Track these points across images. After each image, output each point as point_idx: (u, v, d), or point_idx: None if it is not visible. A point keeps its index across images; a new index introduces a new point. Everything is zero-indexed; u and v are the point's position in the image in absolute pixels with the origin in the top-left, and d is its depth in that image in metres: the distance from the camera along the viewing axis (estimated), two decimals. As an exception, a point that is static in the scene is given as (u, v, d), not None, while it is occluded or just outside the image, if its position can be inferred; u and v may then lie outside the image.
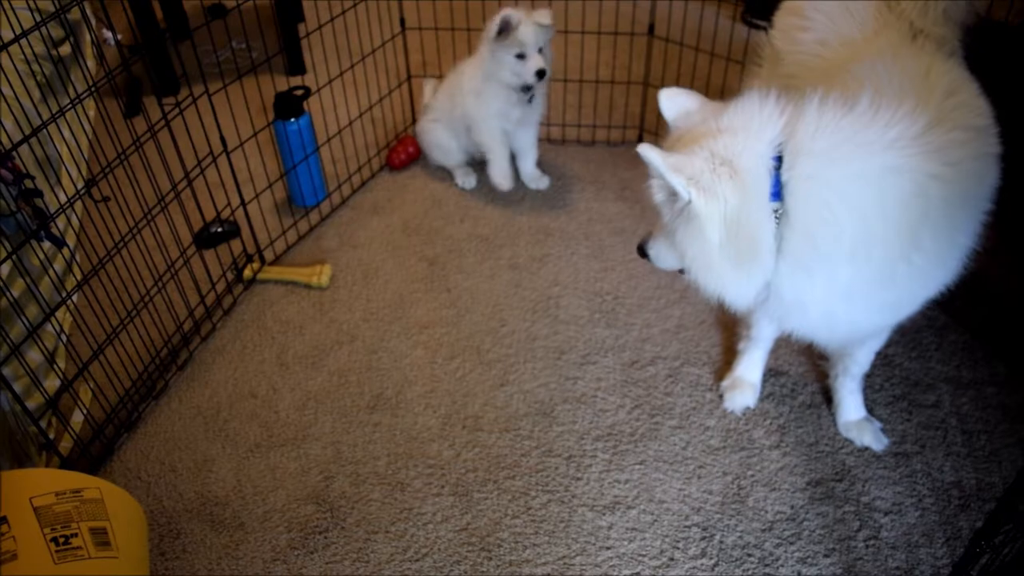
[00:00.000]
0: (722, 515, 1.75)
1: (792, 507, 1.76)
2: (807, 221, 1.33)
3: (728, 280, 1.43)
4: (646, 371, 2.07)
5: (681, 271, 1.55)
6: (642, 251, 1.62)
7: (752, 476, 1.82)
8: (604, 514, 1.76)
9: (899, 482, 1.79)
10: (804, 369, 2.06)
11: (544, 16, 2.36)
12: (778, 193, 1.33)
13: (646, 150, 1.33)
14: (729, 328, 2.15)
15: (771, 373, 2.03)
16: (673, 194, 1.37)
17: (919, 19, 1.62)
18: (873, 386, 1.99)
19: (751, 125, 1.36)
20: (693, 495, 1.79)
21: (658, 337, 2.16)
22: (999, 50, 2.01)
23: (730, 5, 3.45)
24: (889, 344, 2.06)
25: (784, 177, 1.33)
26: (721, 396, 1.99)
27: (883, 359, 2.04)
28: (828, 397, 1.96)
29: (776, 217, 1.35)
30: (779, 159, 1.33)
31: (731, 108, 1.41)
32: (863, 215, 1.31)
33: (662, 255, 1.58)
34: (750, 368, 1.98)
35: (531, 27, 2.36)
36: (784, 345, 2.08)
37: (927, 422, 1.91)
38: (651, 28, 2.81)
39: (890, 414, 1.93)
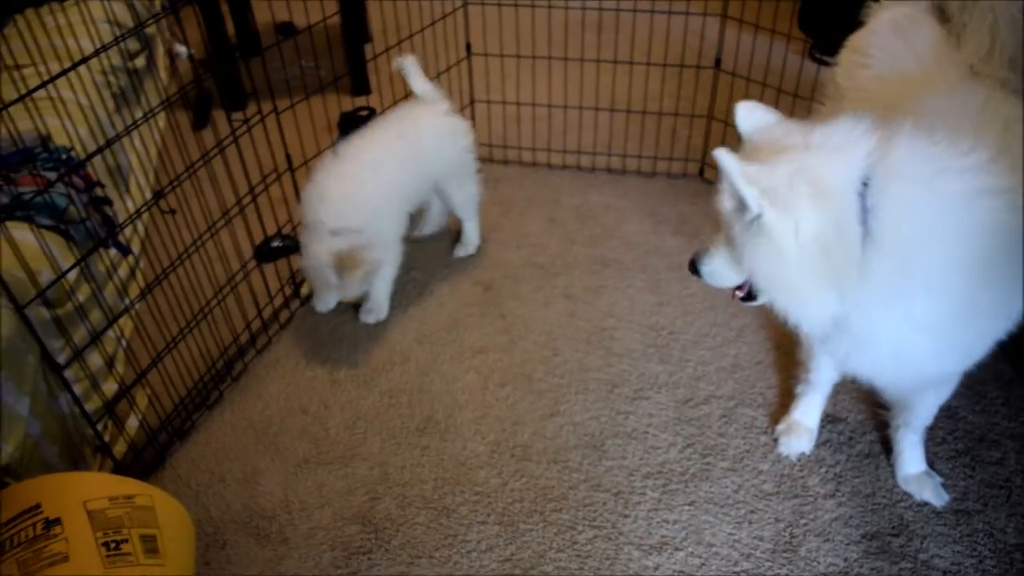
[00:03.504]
0: (772, 563, 1.70)
1: (846, 560, 1.70)
2: (894, 246, 1.29)
3: (807, 299, 1.39)
4: (700, 410, 2.03)
5: (737, 290, 1.53)
6: (694, 267, 1.57)
7: (805, 525, 1.77)
8: (651, 554, 1.73)
9: (959, 541, 1.73)
10: (863, 417, 2.00)
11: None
12: (861, 216, 1.30)
13: (723, 155, 1.29)
14: (786, 370, 2.10)
15: (828, 419, 1.98)
16: (743, 206, 1.33)
17: (980, 65, 1.58)
18: (935, 439, 1.92)
19: (844, 145, 1.32)
20: (743, 540, 1.75)
21: (713, 375, 2.12)
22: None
23: (799, 41, 3.41)
24: (953, 396, 1.99)
25: (871, 201, 1.29)
26: (776, 440, 1.94)
27: (947, 411, 1.98)
28: (887, 447, 1.90)
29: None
30: (865, 183, 1.30)
31: (822, 126, 1.37)
32: (949, 241, 1.28)
33: (718, 272, 1.53)
34: (807, 412, 1.93)
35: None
36: (843, 391, 2.03)
37: (991, 480, 1.85)
38: (718, 61, 2.79)
39: (952, 469, 1.87)
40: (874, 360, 1.50)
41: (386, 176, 2.21)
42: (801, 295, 1.39)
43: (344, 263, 2.08)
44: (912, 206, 1.28)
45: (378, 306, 2.35)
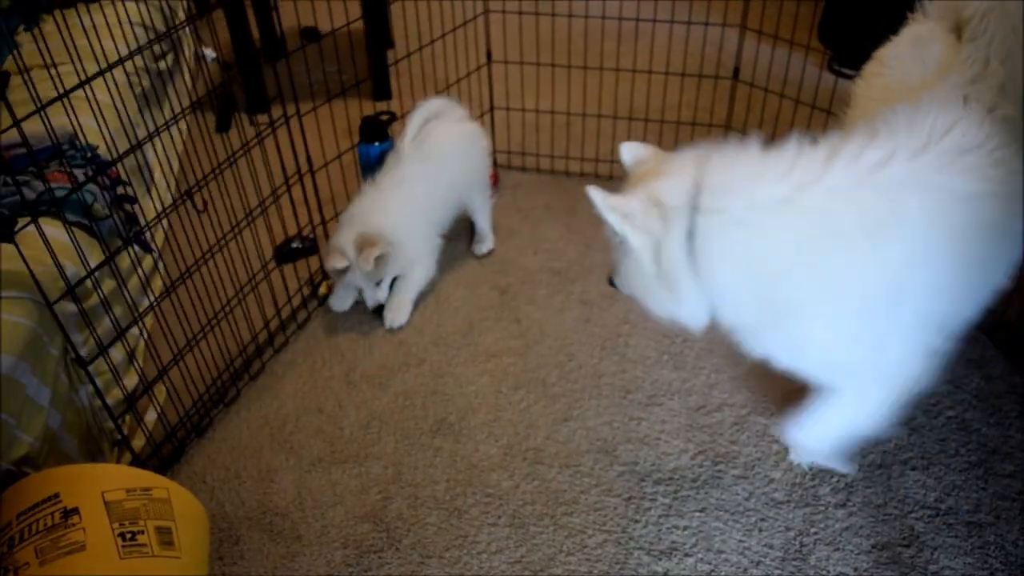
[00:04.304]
0: (782, 571, 1.71)
1: (856, 569, 1.70)
2: (703, 251, 1.44)
3: (668, 306, 1.59)
4: (712, 417, 2.04)
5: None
6: (611, 281, 1.75)
7: (815, 534, 1.77)
8: (660, 559, 1.73)
9: (970, 552, 1.73)
10: (876, 427, 2.00)
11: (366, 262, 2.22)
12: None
13: (591, 190, 1.48)
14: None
15: (841, 429, 1.99)
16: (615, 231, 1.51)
17: (968, 88, 1.58)
18: (948, 451, 1.92)
19: (684, 167, 1.49)
20: (753, 548, 1.75)
21: (726, 383, 2.13)
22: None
23: (818, 53, 3.42)
24: (967, 408, 2.00)
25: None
26: (788, 448, 1.95)
27: (960, 423, 1.98)
28: (899, 457, 1.90)
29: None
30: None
31: (678, 153, 1.55)
32: (751, 247, 1.41)
33: (624, 284, 1.71)
34: (818, 421, 1.94)
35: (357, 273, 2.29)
36: (856, 401, 2.03)
37: (1003, 492, 1.84)
38: (736, 72, 2.80)
39: (965, 481, 1.87)
40: (768, 349, 1.60)
41: (415, 207, 2.38)
42: (666, 303, 1.58)
43: (364, 242, 2.22)
44: (711, 214, 1.42)
45: (401, 307, 2.38)
